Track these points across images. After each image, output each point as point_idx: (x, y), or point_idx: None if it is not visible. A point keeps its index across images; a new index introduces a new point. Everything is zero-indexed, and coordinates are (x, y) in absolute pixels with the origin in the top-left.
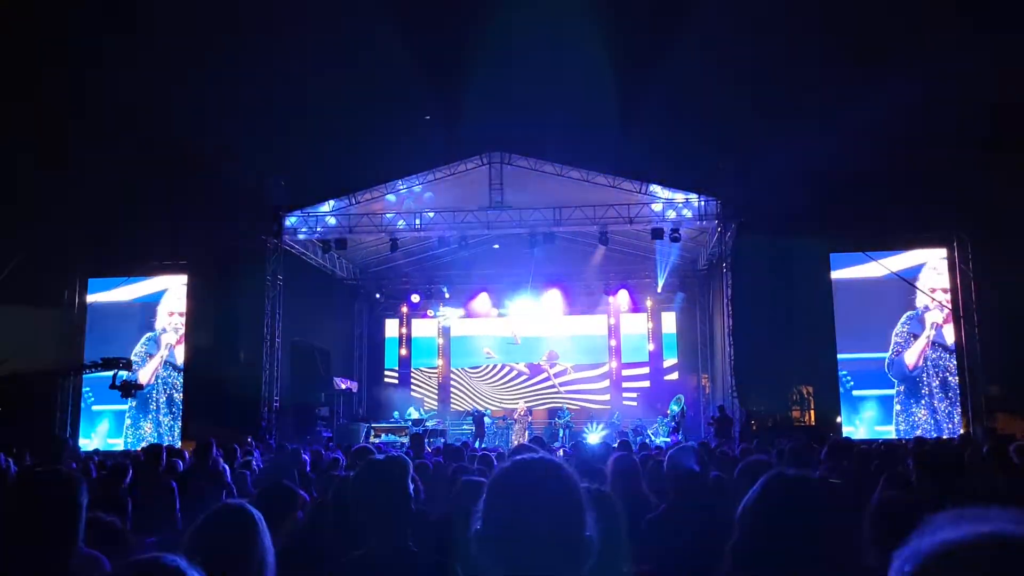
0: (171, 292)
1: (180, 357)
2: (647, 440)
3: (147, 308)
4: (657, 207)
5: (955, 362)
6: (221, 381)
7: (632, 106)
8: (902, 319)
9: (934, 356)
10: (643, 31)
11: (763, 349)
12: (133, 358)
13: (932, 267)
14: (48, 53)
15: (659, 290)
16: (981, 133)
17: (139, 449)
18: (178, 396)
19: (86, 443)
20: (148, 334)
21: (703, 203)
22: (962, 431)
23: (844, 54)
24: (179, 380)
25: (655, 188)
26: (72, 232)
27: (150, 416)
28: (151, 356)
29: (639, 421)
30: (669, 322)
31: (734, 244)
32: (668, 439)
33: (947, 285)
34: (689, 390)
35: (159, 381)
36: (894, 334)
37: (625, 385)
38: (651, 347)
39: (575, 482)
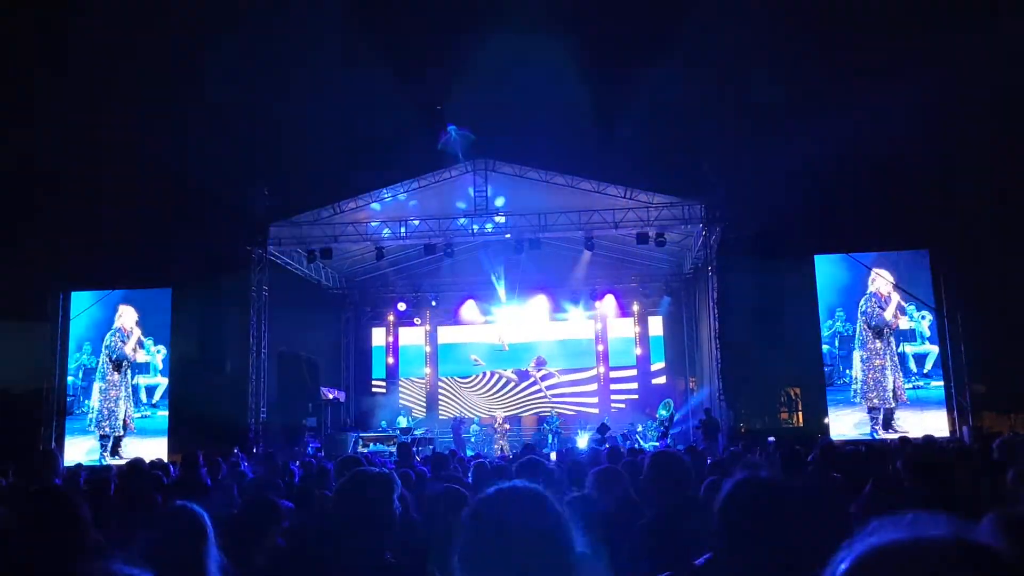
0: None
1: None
2: (635, 445)
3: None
4: (642, 212)
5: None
6: (207, 393)
7: (616, 111)
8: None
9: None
10: (626, 38)
11: (750, 351)
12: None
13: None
14: (37, 58)
15: (645, 294)
16: (962, 136)
17: (124, 463)
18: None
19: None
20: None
21: (687, 208)
22: (951, 431)
23: (828, 61)
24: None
25: (640, 193)
26: (55, 245)
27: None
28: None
29: (630, 426)
30: (656, 326)
31: (719, 248)
32: (657, 443)
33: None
34: (677, 393)
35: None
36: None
37: (613, 388)
38: (638, 351)
39: (552, 506)
